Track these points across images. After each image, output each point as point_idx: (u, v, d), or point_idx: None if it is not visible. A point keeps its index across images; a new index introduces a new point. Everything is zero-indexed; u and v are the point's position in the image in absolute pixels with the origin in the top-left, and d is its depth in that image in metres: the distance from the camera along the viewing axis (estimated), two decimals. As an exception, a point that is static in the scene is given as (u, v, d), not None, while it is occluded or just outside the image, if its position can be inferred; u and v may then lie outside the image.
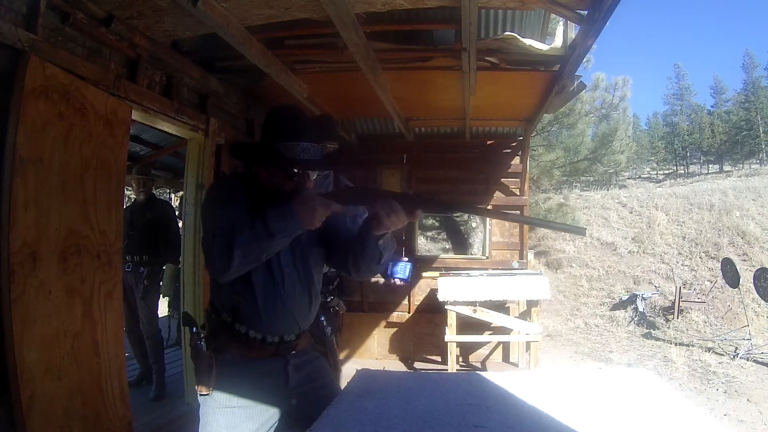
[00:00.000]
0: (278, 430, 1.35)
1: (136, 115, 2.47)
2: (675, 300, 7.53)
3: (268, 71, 2.71)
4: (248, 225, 1.12)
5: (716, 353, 5.56)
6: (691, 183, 19.85)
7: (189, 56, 2.85)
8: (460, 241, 9.07)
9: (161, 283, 3.64)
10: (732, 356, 5.35)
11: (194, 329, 1.32)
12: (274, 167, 1.26)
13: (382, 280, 4.80)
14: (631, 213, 11.52)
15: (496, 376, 1.30)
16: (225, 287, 1.28)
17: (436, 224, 10.90)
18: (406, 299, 4.82)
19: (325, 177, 2.09)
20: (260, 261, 1.17)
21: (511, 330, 4.25)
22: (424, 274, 4.82)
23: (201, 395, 1.30)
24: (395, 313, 4.82)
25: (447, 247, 10.50)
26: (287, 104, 1.37)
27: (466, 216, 8.70)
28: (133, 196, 3.67)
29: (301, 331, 1.37)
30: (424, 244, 10.83)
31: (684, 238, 10.06)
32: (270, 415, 1.33)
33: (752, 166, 31.26)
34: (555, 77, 2.98)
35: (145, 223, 3.44)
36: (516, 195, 4.80)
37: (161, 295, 3.68)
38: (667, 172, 39.39)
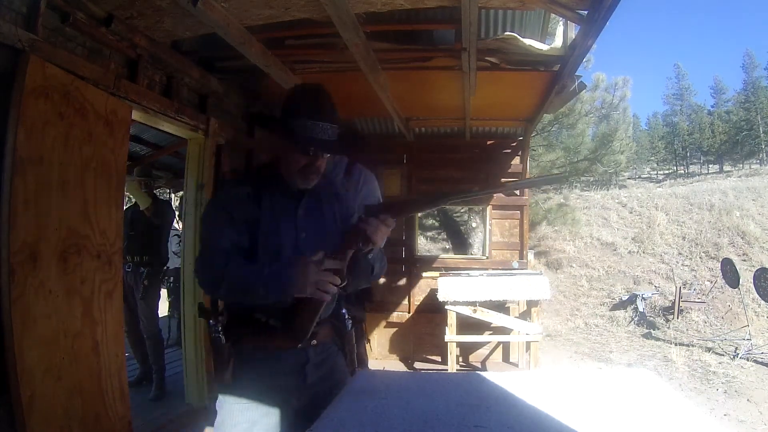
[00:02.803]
0: (293, 426, 1.34)
1: (136, 115, 2.47)
2: (675, 300, 7.54)
3: (268, 71, 2.71)
4: (242, 266, 1.22)
5: (716, 353, 5.56)
6: (691, 183, 19.88)
7: (189, 56, 2.85)
8: (460, 241, 9.08)
9: (161, 283, 3.64)
10: (732, 356, 5.35)
11: (211, 321, 1.29)
12: (291, 144, 1.24)
13: (383, 280, 4.80)
14: (631, 213, 11.53)
15: (496, 376, 1.29)
16: None
17: (436, 224, 10.91)
18: (406, 299, 4.82)
19: (336, 164, 1.96)
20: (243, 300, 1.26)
21: (511, 330, 4.24)
22: (424, 274, 4.81)
23: (219, 387, 1.30)
24: (395, 313, 4.82)
25: (447, 247, 10.52)
26: (312, 83, 1.35)
27: (466, 216, 8.71)
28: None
29: (320, 319, 1.31)
30: (424, 244, 10.87)
31: (684, 238, 10.07)
32: (287, 412, 1.33)
33: (752, 166, 31.28)
34: (555, 77, 2.98)
35: (146, 223, 3.45)
36: (516, 195, 4.79)
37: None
38: (667, 172, 39.38)
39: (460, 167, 4.83)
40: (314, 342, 1.34)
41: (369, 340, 2.12)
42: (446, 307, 4.10)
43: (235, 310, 1.33)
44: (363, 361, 1.83)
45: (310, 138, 1.22)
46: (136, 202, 3.55)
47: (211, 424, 2.83)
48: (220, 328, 1.28)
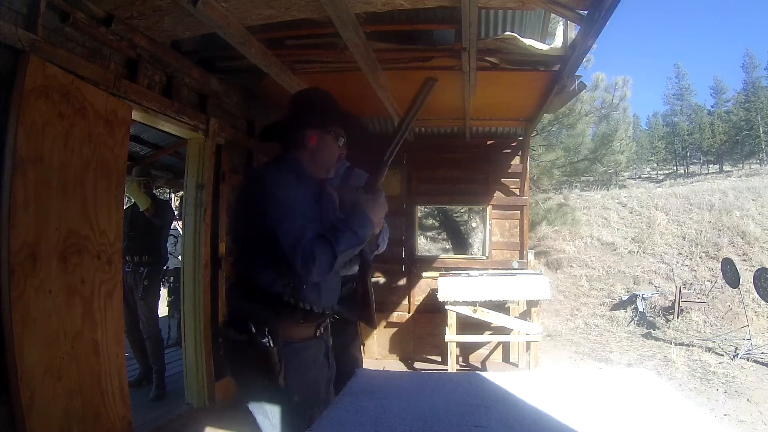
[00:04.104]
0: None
1: (136, 115, 2.47)
2: (675, 300, 7.54)
3: (268, 71, 2.71)
4: (338, 232, 1.26)
5: (716, 353, 5.56)
6: (691, 183, 19.89)
7: (189, 56, 2.85)
8: (460, 241, 9.09)
9: (161, 283, 3.64)
10: (732, 356, 5.35)
11: (253, 329, 1.26)
12: (335, 132, 1.44)
13: (382, 280, 4.80)
14: (631, 213, 11.54)
15: (496, 376, 1.29)
16: (283, 273, 1.29)
17: (436, 224, 10.91)
18: (406, 299, 4.82)
19: (350, 169, 2.00)
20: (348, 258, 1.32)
21: (511, 330, 4.24)
22: (424, 274, 4.81)
23: (265, 391, 1.29)
24: (395, 313, 4.82)
25: (447, 247, 10.53)
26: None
27: (466, 216, 8.72)
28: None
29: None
30: (424, 244, 10.87)
31: (684, 238, 10.07)
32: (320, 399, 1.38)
33: (752, 166, 31.29)
34: (555, 77, 2.98)
35: (146, 223, 3.44)
36: (516, 195, 4.79)
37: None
38: (667, 172, 39.38)
39: (460, 167, 4.83)
40: (321, 332, 1.42)
41: (363, 342, 2.20)
42: (446, 307, 4.10)
43: (266, 309, 1.31)
44: (358, 360, 1.86)
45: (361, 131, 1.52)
46: (135, 202, 3.55)
47: (212, 425, 2.83)
48: (266, 330, 1.26)
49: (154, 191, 3.75)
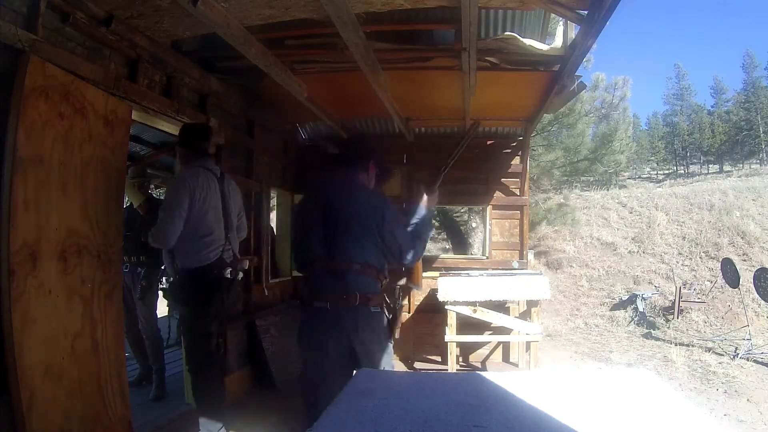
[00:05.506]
0: None
1: (136, 115, 2.48)
2: (675, 300, 7.54)
3: (268, 71, 2.71)
4: (422, 232, 2.07)
5: (716, 353, 5.56)
6: (691, 183, 19.90)
7: (189, 56, 2.85)
8: (460, 241, 9.10)
9: (160, 283, 3.62)
10: (732, 356, 5.35)
11: (389, 301, 1.98)
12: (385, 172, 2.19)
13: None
14: (631, 213, 11.54)
15: (496, 376, 1.29)
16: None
17: (436, 224, 10.92)
18: (406, 299, 4.82)
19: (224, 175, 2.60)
20: None
21: (511, 330, 4.24)
22: (424, 274, 4.80)
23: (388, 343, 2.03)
24: (395, 313, 4.81)
25: (447, 247, 10.53)
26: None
27: (466, 216, 8.73)
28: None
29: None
30: (424, 244, 10.86)
31: (684, 238, 10.07)
32: None
33: (752, 166, 31.31)
34: (555, 77, 2.98)
35: (143, 223, 3.43)
36: (516, 195, 4.79)
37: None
38: (667, 172, 39.37)
39: (460, 167, 4.80)
40: None
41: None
42: (446, 307, 4.10)
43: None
44: None
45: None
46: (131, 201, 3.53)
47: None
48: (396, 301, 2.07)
49: (150, 191, 3.74)
